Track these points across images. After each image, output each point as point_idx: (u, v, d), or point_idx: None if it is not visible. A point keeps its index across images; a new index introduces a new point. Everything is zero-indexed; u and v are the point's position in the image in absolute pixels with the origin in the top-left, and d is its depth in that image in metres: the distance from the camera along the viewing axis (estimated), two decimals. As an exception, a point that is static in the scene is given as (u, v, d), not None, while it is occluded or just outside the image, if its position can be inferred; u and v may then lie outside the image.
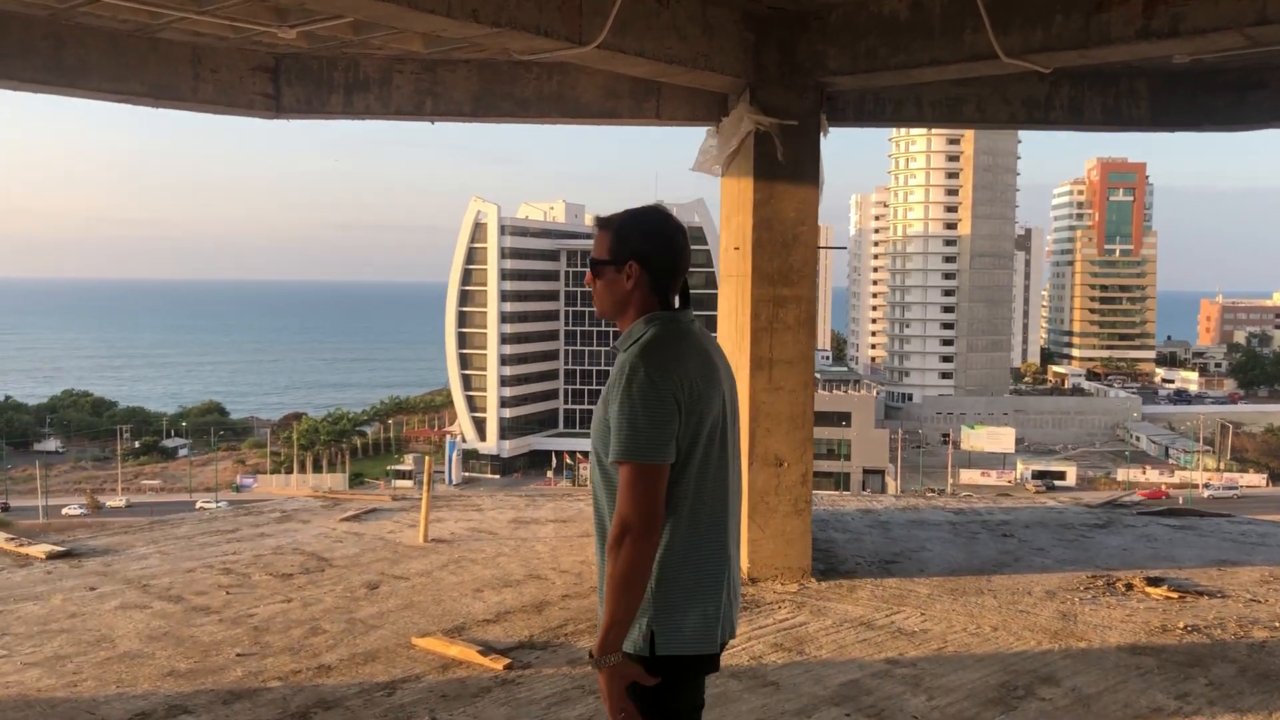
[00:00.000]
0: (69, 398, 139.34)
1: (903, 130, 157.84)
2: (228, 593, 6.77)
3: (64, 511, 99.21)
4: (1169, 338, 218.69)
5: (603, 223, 3.03)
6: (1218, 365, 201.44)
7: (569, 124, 8.78)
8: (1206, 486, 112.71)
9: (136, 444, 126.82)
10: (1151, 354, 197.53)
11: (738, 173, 7.66)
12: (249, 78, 8.38)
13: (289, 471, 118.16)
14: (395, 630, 6.06)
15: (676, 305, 2.98)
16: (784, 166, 7.03)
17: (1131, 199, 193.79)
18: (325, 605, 6.53)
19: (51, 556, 7.58)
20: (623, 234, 2.96)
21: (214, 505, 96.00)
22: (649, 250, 2.94)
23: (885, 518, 9.18)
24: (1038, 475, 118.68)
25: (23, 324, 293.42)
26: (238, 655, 5.64)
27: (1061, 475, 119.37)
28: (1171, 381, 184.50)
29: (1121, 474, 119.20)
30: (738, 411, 3.02)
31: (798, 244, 7.03)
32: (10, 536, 8.10)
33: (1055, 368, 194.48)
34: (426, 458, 8.29)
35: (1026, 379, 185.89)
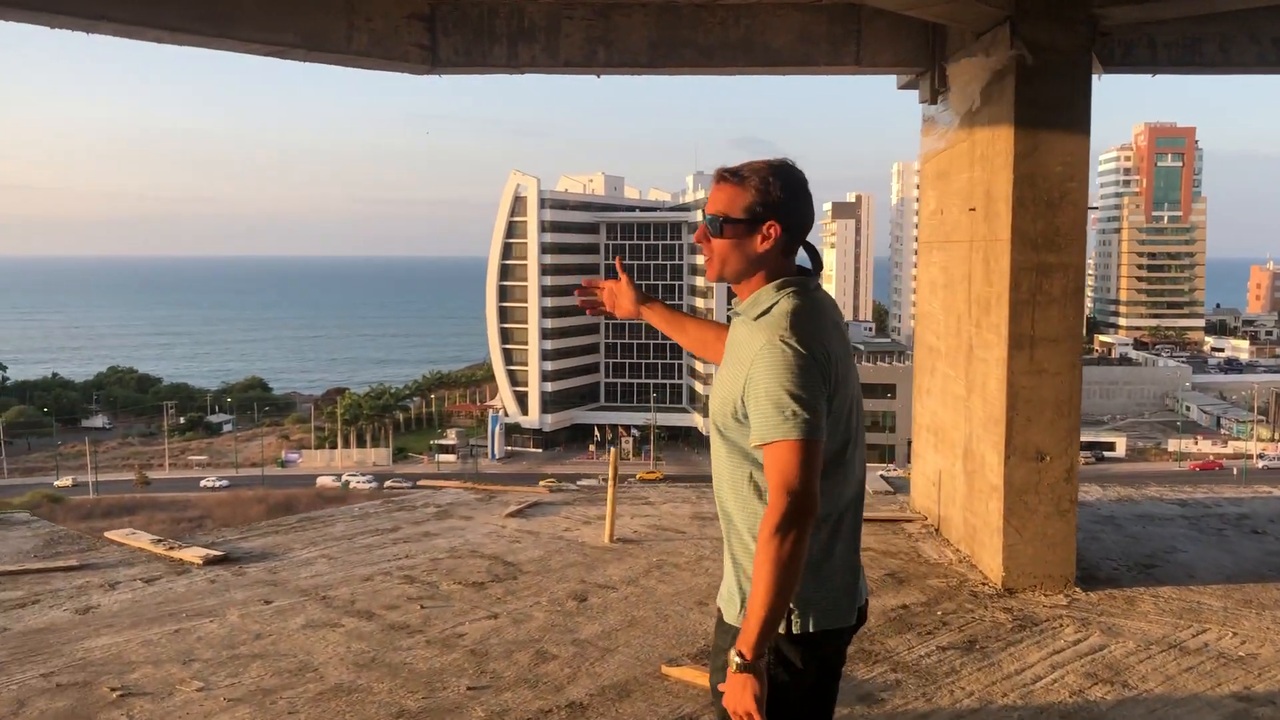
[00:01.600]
0: (115, 374, 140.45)
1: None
2: (422, 606, 5.97)
3: (202, 484, 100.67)
4: (1218, 305, 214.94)
5: (732, 175, 2.77)
6: (1269, 333, 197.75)
7: (756, 74, 7.87)
8: (1260, 457, 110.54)
9: (182, 420, 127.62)
10: (1201, 322, 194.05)
11: (973, 122, 6.73)
12: (404, 27, 7.52)
13: (333, 446, 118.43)
14: (634, 655, 5.23)
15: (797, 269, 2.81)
16: (1050, 114, 6.08)
17: (1180, 164, 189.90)
18: (538, 622, 5.71)
19: (209, 562, 6.82)
20: (765, 189, 2.72)
21: (358, 479, 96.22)
22: (791, 208, 2.73)
23: (1107, 511, 8.25)
24: (1086, 446, 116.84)
25: (69, 302, 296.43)
26: (469, 689, 4.83)
27: (1111, 446, 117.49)
28: (1221, 350, 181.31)
29: (1173, 444, 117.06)
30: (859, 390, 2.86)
31: (1065, 203, 6.09)
32: (157, 539, 7.34)
33: (1102, 337, 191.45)
34: (612, 449, 7.43)
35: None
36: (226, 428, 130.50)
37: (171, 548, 7.10)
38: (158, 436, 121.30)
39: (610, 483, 7.25)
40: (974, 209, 6.67)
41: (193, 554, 6.94)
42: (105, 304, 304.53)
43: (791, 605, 2.63)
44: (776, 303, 2.70)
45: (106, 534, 7.56)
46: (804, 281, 2.76)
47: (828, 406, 2.61)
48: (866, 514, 8.19)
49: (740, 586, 2.73)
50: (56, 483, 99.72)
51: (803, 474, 2.53)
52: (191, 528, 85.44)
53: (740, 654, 2.52)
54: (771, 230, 2.72)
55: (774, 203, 2.72)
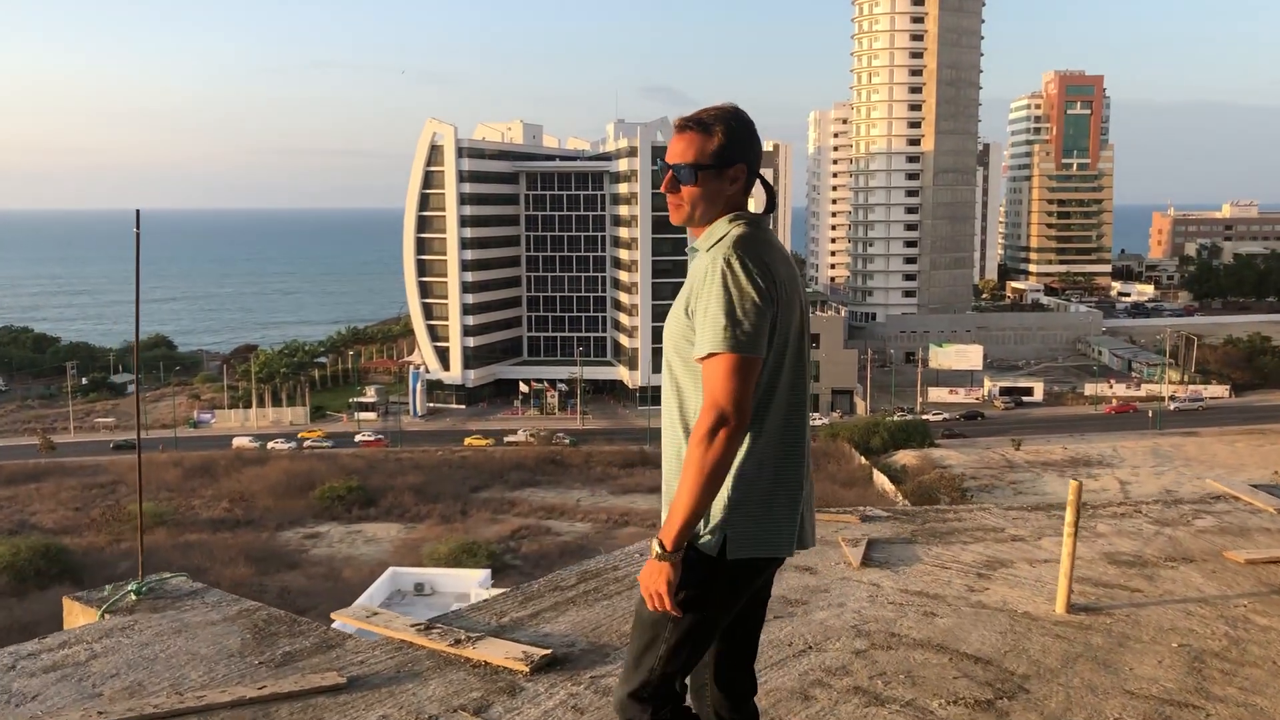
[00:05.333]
0: (9, 335, 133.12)
1: (865, 44, 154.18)
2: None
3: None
4: (1123, 251, 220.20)
5: (697, 124, 2.86)
6: (1170, 278, 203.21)
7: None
8: (1172, 399, 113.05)
9: (84, 380, 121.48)
10: (1108, 268, 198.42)
11: None
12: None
13: (247, 406, 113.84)
14: None
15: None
16: None
17: (1089, 112, 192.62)
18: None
19: (537, 668, 4.57)
20: (734, 136, 2.85)
21: (277, 442, 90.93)
22: (752, 150, 2.89)
23: None
24: (1005, 391, 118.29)
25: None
26: None
27: (1029, 391, 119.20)
28: (1128, 295, 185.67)
29: (1089, 388, 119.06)
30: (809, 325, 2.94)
31: None
32: (420, 625, 5.00)
33: (1013, 283, 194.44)
34: (1074, 482, 5.29)
35: (985, 295, 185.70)
36: (131, 388, 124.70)
37: (457, 641, 4.81)
38: (59, 398, 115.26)
39: (1069, 525, 5.16)
40: None
41: (500, 654, 4.67)
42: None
43: (726, 531, 2.75)
44: (728, 232, 2.82)
45: (335, 616, 5.23)
46: (756, 216, 2.90)
47: (770, 327, 2.73)
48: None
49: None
50: None
51: (731, 386, 2.66)
52: (104, 494, 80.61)
53: (660, 544, 2.69)
54: (739, 173, 2.87)
55: (741, 146, 2.84)
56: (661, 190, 2.89)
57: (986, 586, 5.60)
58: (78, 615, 5.39)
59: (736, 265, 2.69)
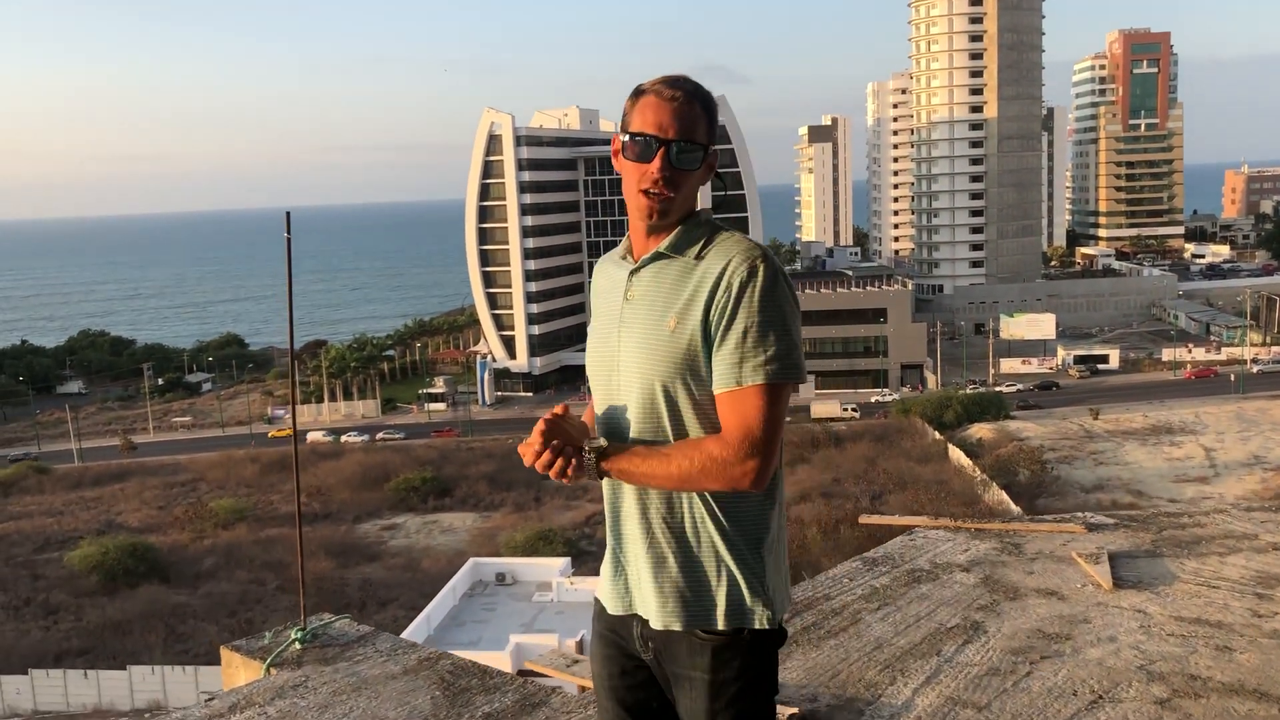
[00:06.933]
0: (86, 338, 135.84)
1: (923, 11, 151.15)
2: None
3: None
4: (1195, 212, 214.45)
5: (698, 94, 2.30)
6: (1246, 237, 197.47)
7: None
8: (1254, 362, 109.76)
9: (160, 381, 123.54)
10: (1180, 230, 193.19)
11: None
12: None
13: (319, 401, 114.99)
14: None
15: None
16: None
17: (1156, 70, 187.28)
18: None
19: (787, 730, 3.92)
20: (714, 112, 2.34)
21: (349, 435, 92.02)
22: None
23: None
24: (1080, 360, 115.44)
25: (28, 268, 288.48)
26: None
27: (1104, 359, 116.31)
28: (1202, 256, 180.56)
29: (1166, 353, 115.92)
30: None
31: None
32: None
33: (1083, 249, 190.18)
34: None
35: (1054, 262, 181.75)
36: (206, 387, 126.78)
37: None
38: (137, 399, 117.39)
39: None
40: None
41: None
42: (66, 267, 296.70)
43: (774, 599, 2.35)
44: (716, 234, 2.31)
45: (530, 665, 4.63)
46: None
47: None
48: None
49: (731, 575, 2.31)
50: None
51: (775, 418, 2.21)
52: (185, 492, 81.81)
53: (600, 458, 2.27)
54: (715, 158, 2.36)
55: (717, 126, 2.36)
56: (657, 173, 2.25)
57: (1275, 610, 4.82)
58: (239, 668, 4.83)
59: (782, 278, 2.22)
